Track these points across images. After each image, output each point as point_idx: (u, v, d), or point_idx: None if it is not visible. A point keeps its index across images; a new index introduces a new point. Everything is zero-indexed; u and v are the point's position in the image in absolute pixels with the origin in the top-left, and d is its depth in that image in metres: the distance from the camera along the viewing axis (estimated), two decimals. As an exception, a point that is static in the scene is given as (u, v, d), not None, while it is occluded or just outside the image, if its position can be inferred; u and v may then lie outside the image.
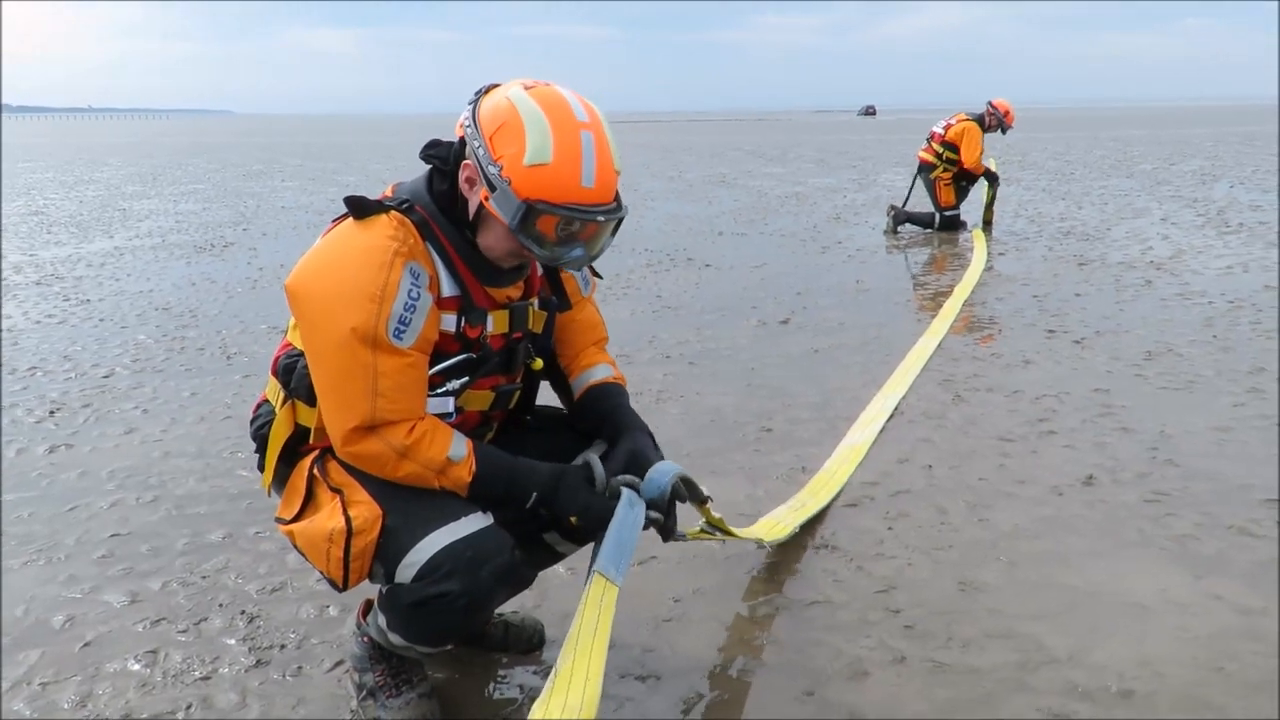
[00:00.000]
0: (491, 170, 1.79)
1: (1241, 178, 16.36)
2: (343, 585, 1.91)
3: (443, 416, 1.96)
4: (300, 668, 2.46)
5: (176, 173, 22.99)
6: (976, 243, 9.02)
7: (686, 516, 2.21)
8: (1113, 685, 2.33)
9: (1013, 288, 7.39)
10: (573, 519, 1.98)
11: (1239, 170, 17.92)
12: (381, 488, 1.91)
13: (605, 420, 2.17)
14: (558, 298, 2.19)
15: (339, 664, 2.45)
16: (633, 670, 2.44)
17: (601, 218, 1.83)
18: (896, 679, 2.39)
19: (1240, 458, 3.79)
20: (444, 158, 1.94)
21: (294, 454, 2.05)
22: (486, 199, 1.81)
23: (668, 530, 2.08)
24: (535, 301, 2.13)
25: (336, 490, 1.93)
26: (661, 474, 2.03)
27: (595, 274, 2.30)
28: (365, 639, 2.21)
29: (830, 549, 3.10)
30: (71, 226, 12.19)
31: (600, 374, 2.25)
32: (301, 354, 1.96)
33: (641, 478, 2.03)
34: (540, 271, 2.16)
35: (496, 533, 1.93)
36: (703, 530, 2.43)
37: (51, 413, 4.58)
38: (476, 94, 1.89)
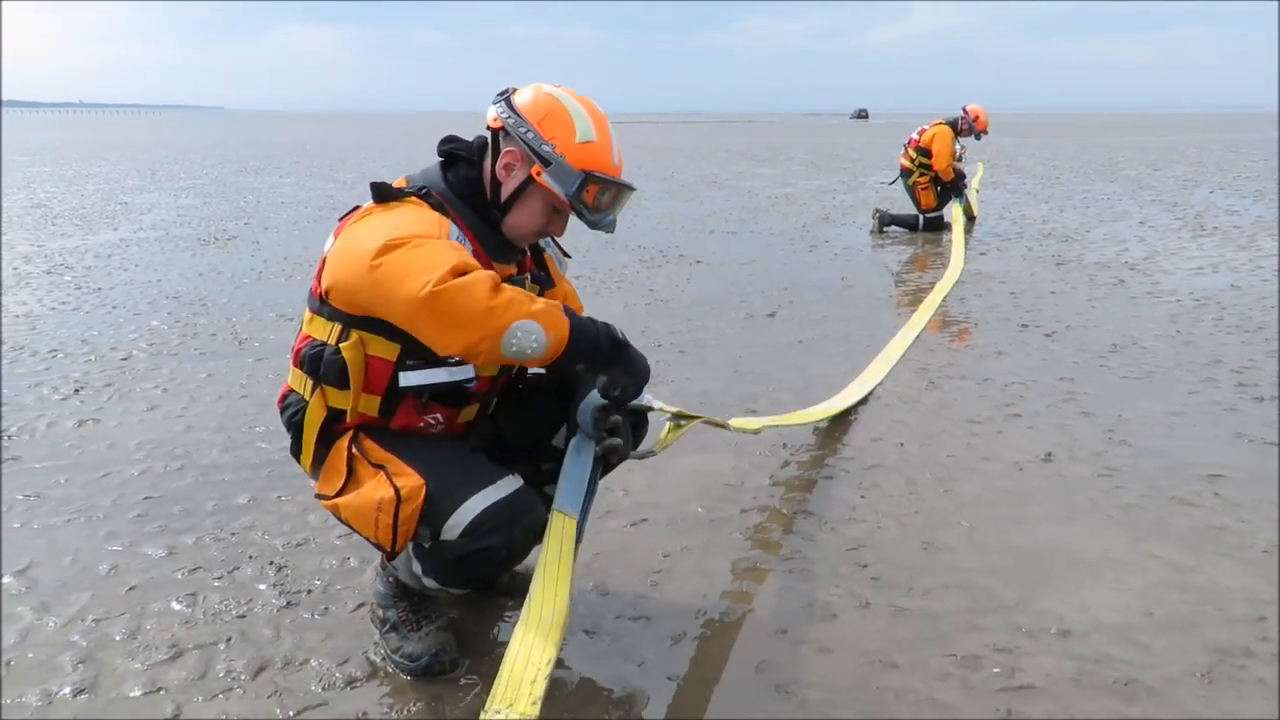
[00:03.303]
0: (546, 149, 2.14)
1: (1222, 184, 16.73)
2: (391, 548, 2.13)
3: (465, 381, 2.24)
4: (327, 608, 2.74)
5: (174, 168, 23.20)
6: (955, 245, 9.30)
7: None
8: (1053, 626, 2.62)
9: (991, 285, 7.70)
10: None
11: (1220, 176, 18.30)
12: (421, 460, 2.16)
13: (571, 380, 2.44)
14: (545, 274, 2.51)
15: (361, 605, 2.73)
16: (626, 612, 2.73)
17: (633, 188, 2.26)
18: (861, 620, 2.68)
19: (1189, 438, 4.09)
20: (468, 149, 2.27)
21: (328, 436, 2.28)
22: (539, 174, 2.15)
23: (616, 451, 2.35)
24: (529, 277, 2.43)
25: (379, 466, 2.17)
26: (582, 411, 2.33)
27: (565, 254, 2.64)
28: (391, 579, 2.48)
29: (806, 514, 3.38)
30: (75, 219, 12.42)
31: None
32: (324, 344, 2.19)
33: None
34: (528, 253, 2.47)
35: (528, 493, 2.22)
36: (671, 430, 2.66)
37: (76, 390, 4.84)
38: (501, 96, 2.23)
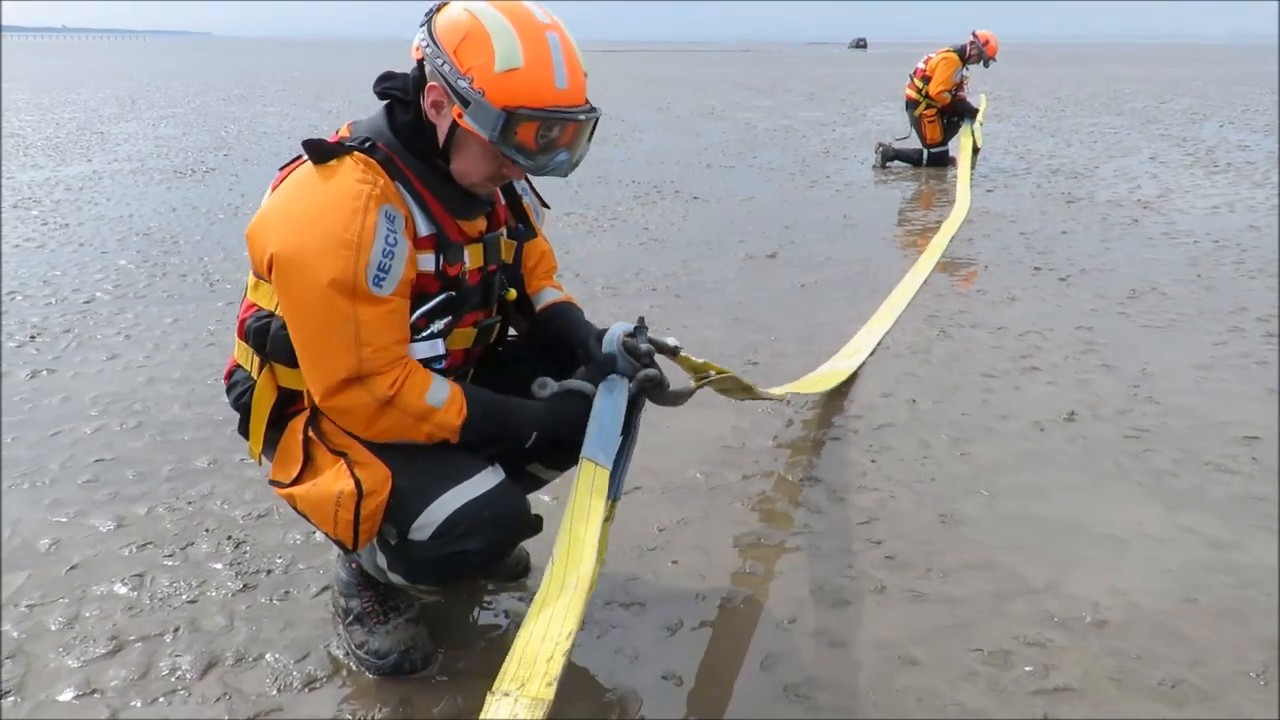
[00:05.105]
0: (462, 84, 1.74)
1: (1231, 117, 16.29)
2: (353, 546, 1.89)
3: (433, 359, 1.94)
4: (288, 592, 2.48)
5: (155, 96, 22.53)
6: (960, 180, 8.93)
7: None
8: (1087, 615, 2.38)
9: (1000, 224, 7.38)
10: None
11: (1229, 110, 17.83)
12: (386, 447, 1.88)
13: (566, 331, 2.17)
14: (523, 225, 2.18)
15: (326, 589, 2.47)
16: (618, 597, 2.47)
17: (582, 117, 1.79)
18: (876, 607, 2.43)
19: (1219, 395, 3.83)
20: (402, 88, 1.88)
21: (279, 416, 2.00)
22: (460, 116, 1.76)
23: (653, 382, 2.05)
24: (504, 231, 2.11)
25: (339, 453, 1.89)
26: (609, 341, 2.04)
27: (544, 203, 2.29)
28: (353, 565, 2.21)
29: (813, 481, 3.13)
30: (49, 149, 11.97)
31: (553, 295, 2.27)
32: (271, 314, 1.90)
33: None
34: (504, 201, 2.14)
35: (510, 488, 1.95)
36: (699, 381, 2.33)
37: (33, 337, 4.55)
38: (428, 15, 1.83)
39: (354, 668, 2.18)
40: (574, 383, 2.03)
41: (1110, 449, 3.35)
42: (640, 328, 2.08)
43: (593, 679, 2.18)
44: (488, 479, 1.90)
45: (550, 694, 1.50)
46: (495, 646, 2.27)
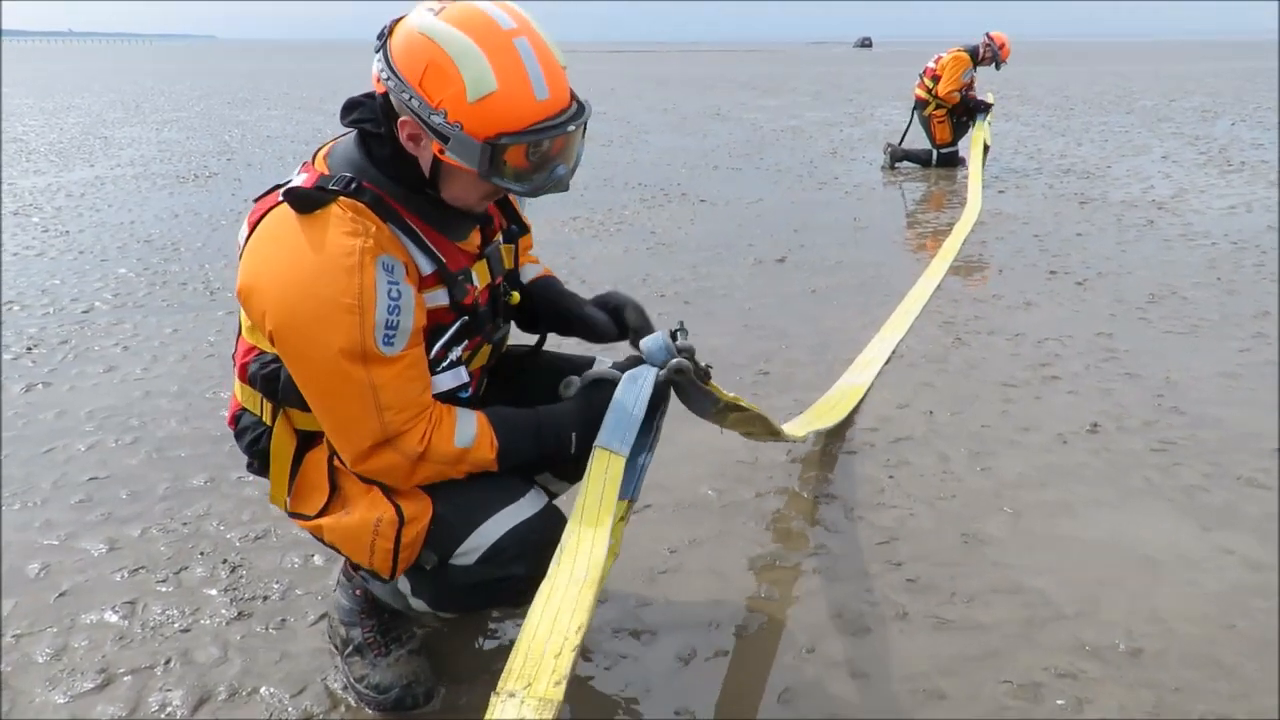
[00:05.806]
0: (436, 120, 1.59)
1: (1243, 115, 16.13)
2: (390, 576, 1.80)
3: (460, 389, 1.85)
4: (284, 620, 2.38)
5: (159, 100, 22.48)
6: (972, 180, 8.81)
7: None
8: (1121, 643, 2.27)
9: (1013, 226, 7.26)
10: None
11: (1240, 107, 17.66)
12: None
13: (552, 303, 2.12)
14: (516, 225, 2.07)
15: (323, 617, 2.37)
16: (626, 625, 2.37)
17: (571, 127, 1.65)
18: (899, 635, 2.32)
19: (1247, 404, 3.71)
20: (372, 120, 1.72)
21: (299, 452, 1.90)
22: (441, 153, 1.62)
23: (689, 373, 1.97)
24: (500, 238, 2.01)
25: (372, 481, 1.79)
26: (654, 338, 1.97)
27: None
28: (358, 592, 2.11)
29: (830, 498, 3.02)
30: (52, 155, 11.90)
31: (535, 270, 2.19)
32: (275, 359, 1.78)
33: (624, 328, 2.05)
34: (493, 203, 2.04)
35: (553, 512, 1.87)
36: (729, 404, 2.23)
37: (29, 349, 4.45)
38: (380, 38, 1.66)
39: (353, 703, 2.08)
40: (598, 371, 1.97)
41: (1137, 463, 3.24)
42: (681, 330, 2.02)
43: (601, 715, 2.08)
44: (533, 503, 1.83)
45: (559, 694, 1.40)
46: (499, 679, 2.16)
